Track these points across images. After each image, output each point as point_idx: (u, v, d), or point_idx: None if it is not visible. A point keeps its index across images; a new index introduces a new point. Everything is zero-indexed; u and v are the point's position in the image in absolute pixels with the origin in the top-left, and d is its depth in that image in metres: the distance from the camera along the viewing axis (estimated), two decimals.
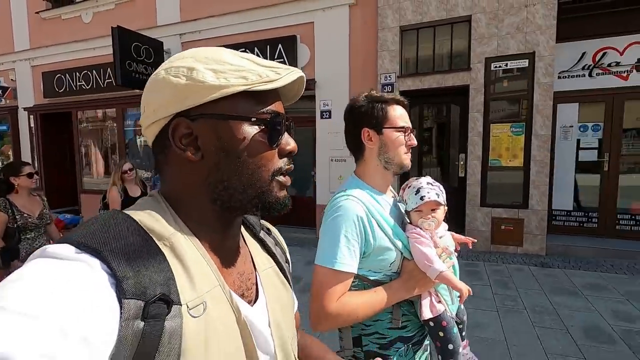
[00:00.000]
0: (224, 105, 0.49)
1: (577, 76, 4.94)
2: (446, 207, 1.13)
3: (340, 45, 5.70)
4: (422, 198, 1.08)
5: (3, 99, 8.84)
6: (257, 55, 4.62)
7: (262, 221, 0.73)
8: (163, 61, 5.51)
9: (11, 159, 8.69)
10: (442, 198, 1.10)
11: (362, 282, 1.06)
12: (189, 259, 0.47)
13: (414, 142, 1.14)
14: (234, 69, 0.49)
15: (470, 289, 1.04)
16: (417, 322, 1.11)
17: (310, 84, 5.71)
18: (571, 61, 4.94)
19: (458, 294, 1.05)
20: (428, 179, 1.14)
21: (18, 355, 0.31)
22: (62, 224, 3.70)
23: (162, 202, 0.53)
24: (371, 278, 1.06)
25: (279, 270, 0.67)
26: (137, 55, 6.19)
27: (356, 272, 1.02)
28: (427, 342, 1.18)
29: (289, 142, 0.56)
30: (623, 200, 4.94)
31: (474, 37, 4.94)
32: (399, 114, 1.12)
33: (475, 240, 1.27)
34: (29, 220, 2.71)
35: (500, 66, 4.86)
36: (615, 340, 2.82)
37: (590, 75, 4.89)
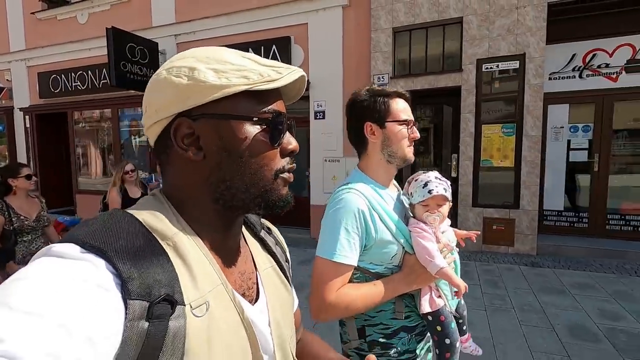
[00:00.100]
0: (225, 105, 0.50)
1: (567, 77, 4.99)
2: (451, 204, 1.13)
3: (333, 46, 5.74)
4: (430, 192, 1.07)
5: None
6: None
7: (263, 220, 0.73)
8: (158, 62, 5.53)
9: (7, 160, 8.70)
10: (449, 194, 1.10)
11: (363, 275, 1.08)
12: (191, 258, 0.48)
13: (417, 134, 1.14)
14: (235, 69, 0.49)
15: (467, 286, 1.05)
16: (419, 313, 1.13)
17: None
18: (562, 62, 4.99)
19: (455, 289, 1.06)
20: (436, 173, 1.14)
21: (23, 354, 0.31)
22: (62, 226, 3.69)
23: (165, 202, 0.53)
24: (372, 270, 1.08)
25: (279, 270, 0.67)
26: (131, 56, 6.21)
27: (356, 265, 1.03)
28: (429, 333, 1.20)
29: (290, 141, 0.56)
30: (613, 201, 4.99)
31: (465, 38, 4.99)
32: (401, 107, 1.12)
33: (479, 233, 1.27)
34: (26, 222, 2.70)
35: (491, 67, 4.90)
36: (599, 338, 2.86)
37: (580, 76, 4.94)
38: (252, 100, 0.51)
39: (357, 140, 1.17)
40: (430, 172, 1.14)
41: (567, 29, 4.84)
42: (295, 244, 5.44)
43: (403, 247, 1.07)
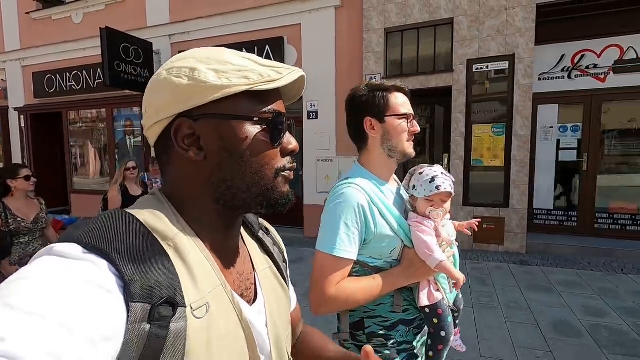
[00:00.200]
0: (226, 105, 0.50)
1: (556, 78, 5.05)
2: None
3: (326, 46, 5.78)
4: (437, 187, 1.06)
5: None
6: None
7: (261, 220, 0.73)
8: (152, 62, 5.55)
9: (2, 160, 8.70)
10: (453, 189, 1.11)
11: (362, 268, 1.09)
12: (192, 259, 0.48)
13: (417, 128, 1.13)
14: (235, 69, 0.50)
15: (465, 278, 1.06)
16: (417, 307, 1.14)
17: None
18: (551, 63, 5.05)
19: (454, 281, 1.07)
20: (441, 168, 1.14)
21: (24, 354, 0.31)
22: (60, 224, 3.70)
23: (165, 202, 0.53)
24: (372, 264, 1.08)
25: (276, 270, 0.67)
26: (126, 56, 6.24)
27: (356, 259, 1.04)
28: (427, 327, 1.20)
29: (290, 141, 0.56)
30: (601, 200, 5.05)
31: (456, 39, 5.04)
32: (400, 102, 1.12)
33: (480, 221, 1.26)
34: (22, 224, 2.67)
35: (481, 68, 4.95)
36: (582, 334, 2.91)
37: (569, 77, 5.00)
38: (253, 100, 0.51)
39: (357, 136, 1.17)
40: (436, 166, 1.14)
41: (556, 30, 4.90)
42: (289, 243, 5.47)
43: (402, 241, 1.08)
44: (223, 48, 0.54)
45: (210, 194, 0.52)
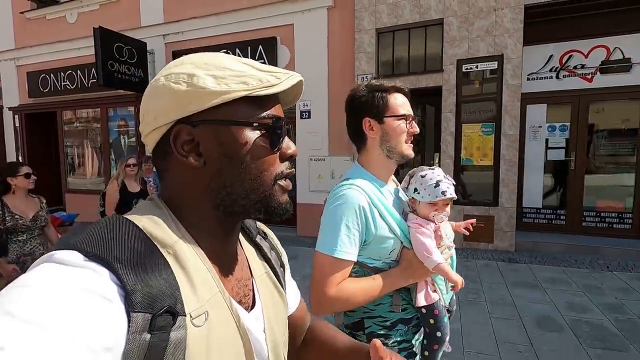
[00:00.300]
0: (225, 111, 0.49)
1: (545, 78, 5.12)
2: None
3: (319, 46, 5.83)
4: (443, 193, 1.06)
5: None
6: (238, 55, 4.71)
7: (259, 224, 0.73)
8: (146, 62, 5.57)
9: None
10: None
11: (362, 269, 1.10)
12: (191, 267, 0.48)
13: (416, 129, 1.13)
14: (234, 75, 0.49)
15: (463, 281, 1.08)
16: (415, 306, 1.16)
17: None
18: (539, 63, 5.11)
19: (452, 284, 1.08)
20: (441, 170, 1.14)
21: None
22: (59, 221, 3.72)
23: (164, 207, 0.52)
24: (371, 265, 1.10)
25: (273, 276, 0.67)
26: (119, 55, 6.26)
27: (356, 260, 1.05)
28: (422, 326, 1.23)
29: (289, 145, 0.56)
30: (589, 198, 5.12)
31: (446, 39, 5.10)
32: (399, 102, 1.12)
33: (474, 221, 1.28)
34: (20, 222, 2.66)
35: (470, 68, 5.01)
36: (563, 329, 2.97)
37: (557, 77, 5.07)
38: (252, 105, 0.51)
39: (356, 136, 1.17)
40: (436, 169, 1.14)
41: (544, 30, 4.97)
42: (282, 241, 5.38)
43: (401, 242, 1.09)
44: (221, 53, 0.54)
45: (209, 200, 0.52)
